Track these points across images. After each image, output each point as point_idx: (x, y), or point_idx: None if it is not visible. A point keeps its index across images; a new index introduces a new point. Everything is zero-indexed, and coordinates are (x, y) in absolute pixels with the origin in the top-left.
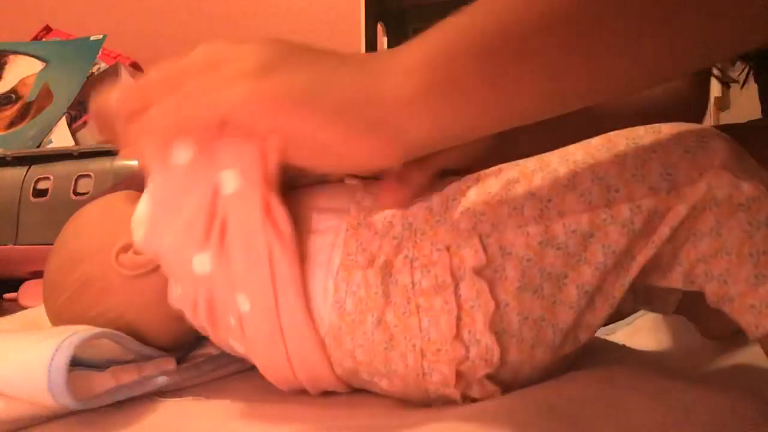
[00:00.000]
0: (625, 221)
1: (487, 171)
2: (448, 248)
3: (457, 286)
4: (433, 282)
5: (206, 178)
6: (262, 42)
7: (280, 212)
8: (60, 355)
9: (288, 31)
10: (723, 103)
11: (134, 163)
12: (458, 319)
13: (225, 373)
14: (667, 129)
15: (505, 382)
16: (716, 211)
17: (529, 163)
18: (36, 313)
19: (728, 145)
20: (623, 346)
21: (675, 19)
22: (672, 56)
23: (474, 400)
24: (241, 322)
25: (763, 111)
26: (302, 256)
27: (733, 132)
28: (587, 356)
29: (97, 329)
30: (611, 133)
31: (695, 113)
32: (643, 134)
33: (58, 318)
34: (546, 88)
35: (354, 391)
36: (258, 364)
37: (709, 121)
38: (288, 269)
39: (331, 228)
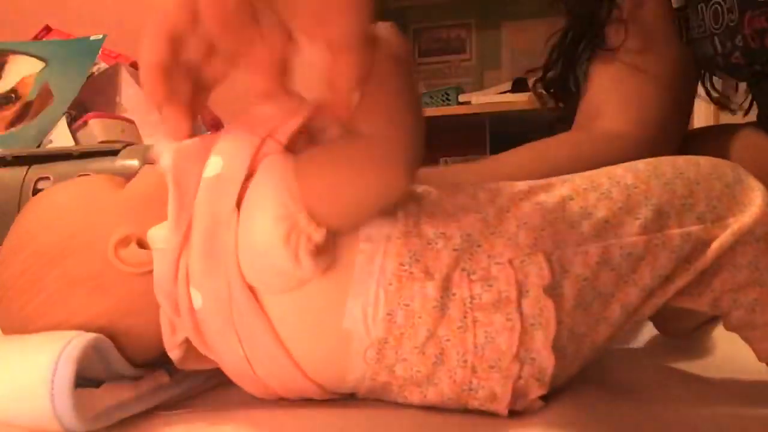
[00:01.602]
0: (675, 247)
1: (535, 184)
2: (510, 262)
3: (519, 303)
4: (495, 297)
5: (198, 163)
6: None
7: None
8: (62, 372)
9: None
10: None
11: (134, 163)
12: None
13: (216, 382)
14: (704, 162)
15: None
16: (755, 246)
17: (578, 180)
18: None
19: (761, 185)
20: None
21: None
22: None
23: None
24: (194, 316)
25: (759, 118)
26: (344, 264)
27: (729, 131)
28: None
29: (93, 335)
30: (653, 160)
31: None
32: (684, 165)
33: (23, 328)
34: None
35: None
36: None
37: (710, 120)
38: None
39: (379, 235)
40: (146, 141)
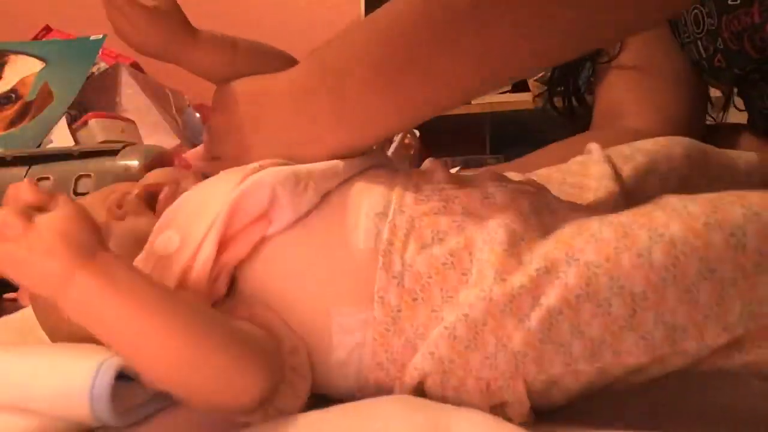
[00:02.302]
0: (690, 355)
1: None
2: (488, 385)
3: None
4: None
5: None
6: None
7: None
8: (103, 376)
9: (288, 30)
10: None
11: (134, 163)
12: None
13: None
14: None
15: None
16: None
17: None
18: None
19: None
20: None
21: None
22: (560, 37)
23: None
24: None
25: (749, 121)
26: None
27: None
28: None
29: None
30: (680, 253)
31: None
32: (721, 250)
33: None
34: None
35: None
36: None
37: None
38: None
39: (356, 322)
40: (146, 141)
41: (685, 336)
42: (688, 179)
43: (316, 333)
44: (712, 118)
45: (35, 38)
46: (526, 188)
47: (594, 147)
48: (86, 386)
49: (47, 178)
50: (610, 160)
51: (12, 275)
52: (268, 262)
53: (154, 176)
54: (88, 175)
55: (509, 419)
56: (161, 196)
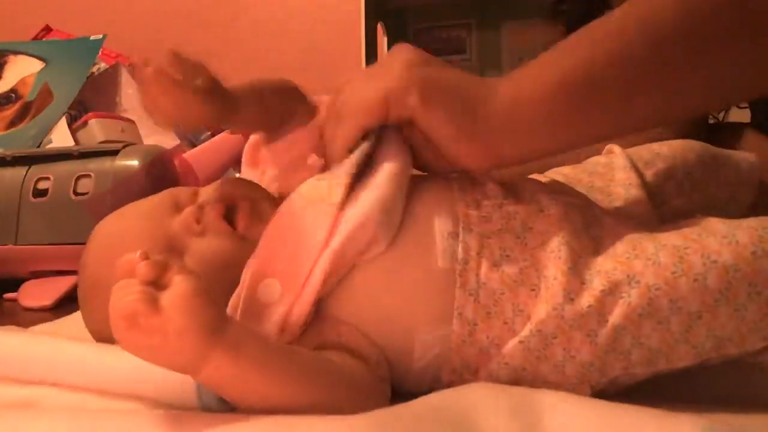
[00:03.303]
0: (728, 356)
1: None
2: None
3: None
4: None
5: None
6: (400, 50)
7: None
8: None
9: (288, 30)
10: None
11: (134, 163)
12: None
13: None
14: None
15: None
16: None
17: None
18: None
19: None
20: None
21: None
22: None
23: None
24: None
25: (752, 120)
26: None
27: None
28: None
29: None
30: (732, 279)
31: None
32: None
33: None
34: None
35: None
36: None
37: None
38: None
39: (435, 338)
40: (146, 141)
41: (730, 344)
42: (700, 183)
43: (398, 347)
44: (716, 117)
45: (35, 38)
46: (575, 201)
47: (617, 150)
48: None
49: (47, 178)
50: (635, 166)
51: (149, 361)
52: (356, 287)
53: (223, 189)
54: (88, 175)
55: None
56: (240, 215)
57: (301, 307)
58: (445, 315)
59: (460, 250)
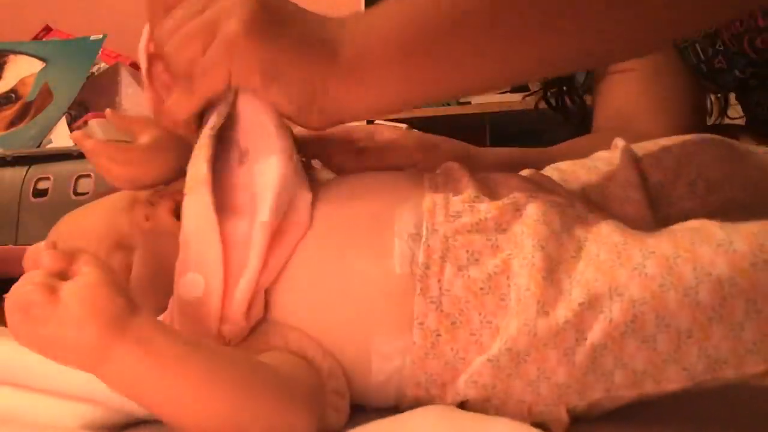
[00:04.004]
0: (725, 379)
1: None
2: (529, 409)
3: None
4: None
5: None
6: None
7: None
8: None
9: None
10: None
11: None
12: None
13: None
14: None
15: None
16: None
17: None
18: None
19: None
20: None
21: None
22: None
23: None
24: None
25: (746, 124)
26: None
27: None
28: None
29: None
30: (727, 294)
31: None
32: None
33: None
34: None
35: None
36: None
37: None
38: None
39: (395, 351)
40: None
41: (726, 366)
42: (717, 184)
43: (354, 358)
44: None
45: (35, 38)
46: (557, 200)
47: (620, 144)
48: None
49: (47, 178)
50: (638, 164)
51: (46, 356)
52: (303, 289)
53: (178, 185)
54: (88, 175)
55: None
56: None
57: (240, 300)
58: (403, 324)
59: (421, 253)
